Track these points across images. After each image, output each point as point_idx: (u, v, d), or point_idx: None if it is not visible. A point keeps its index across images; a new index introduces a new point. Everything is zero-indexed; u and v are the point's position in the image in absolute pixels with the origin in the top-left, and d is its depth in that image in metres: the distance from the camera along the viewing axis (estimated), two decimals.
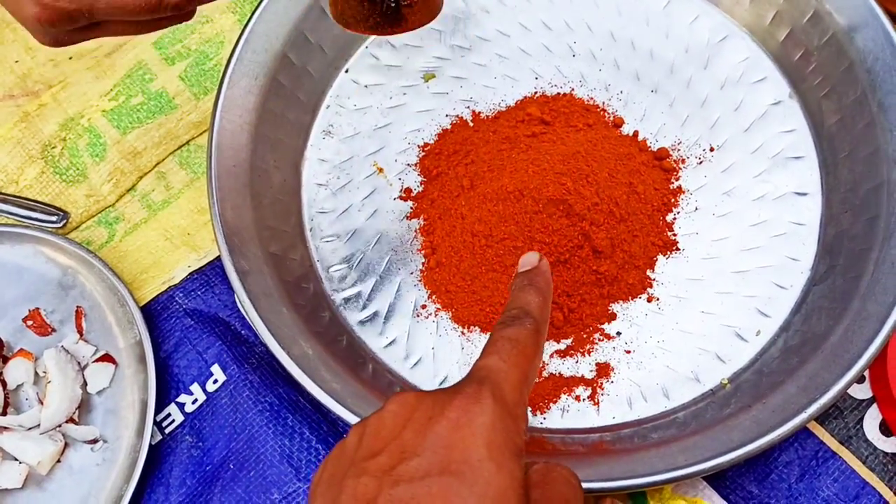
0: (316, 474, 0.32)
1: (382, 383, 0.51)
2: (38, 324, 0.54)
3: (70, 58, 0.61)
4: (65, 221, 0.56)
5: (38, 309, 0.54)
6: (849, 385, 0.44)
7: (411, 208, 0.57)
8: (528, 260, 0.41)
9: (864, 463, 0.48)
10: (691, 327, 0.52)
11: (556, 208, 0.51)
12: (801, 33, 0.57)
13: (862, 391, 0.50)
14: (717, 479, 0.49)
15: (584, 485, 0.43)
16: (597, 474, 0.44)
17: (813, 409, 0.44)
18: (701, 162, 0.57)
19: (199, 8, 0.60)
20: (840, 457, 0.48)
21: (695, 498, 0.49)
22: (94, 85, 0.58)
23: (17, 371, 0.52)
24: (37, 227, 0.55)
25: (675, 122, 0.58)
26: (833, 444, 0.49)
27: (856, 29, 0.54)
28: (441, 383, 0.52)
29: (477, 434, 0.29)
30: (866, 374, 0.51)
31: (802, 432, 0.49)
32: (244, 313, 0.50)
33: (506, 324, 0.35)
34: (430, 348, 0.53)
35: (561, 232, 0.52)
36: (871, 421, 0.49)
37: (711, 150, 0.57)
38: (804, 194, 0.55)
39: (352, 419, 0.46)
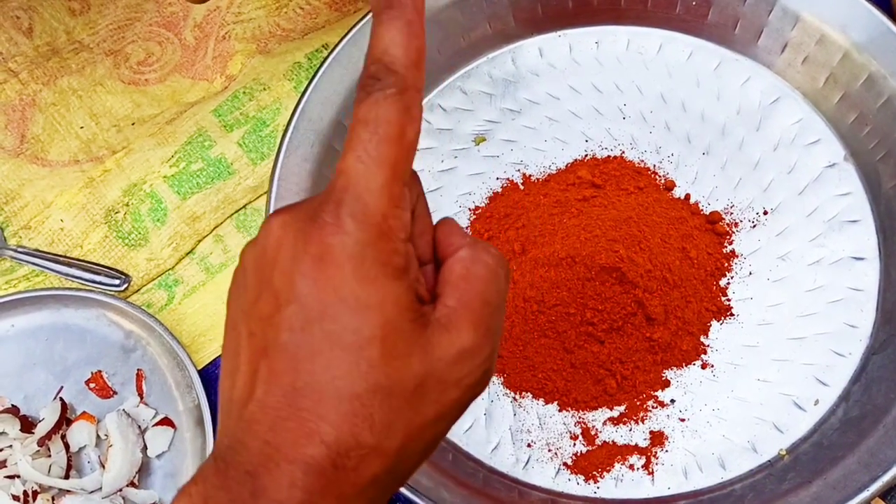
0: (228, 302, 0.30)
1: (437, 449, 0.51)
2: (100, 386, 0.55)
3: (133, 124, 0.63)
4: (127, 285, 0.58)
5: (100, 371, 0.56)
6: None
7: None
8: None
9: None
10: (747, 395, 0.52)
11: (610, 276, 0.52)
12: (855, 96, 0.56)
13: None
14: None
15: None
16: None
17: (875, 487, 0.43)
18: (755, 225, 0.56)
19: (257, 75, 0.62)
20: None
21: None
22: (155, 151, 0.60)
23: (80, 434, 0.53)
24: (100, 290, 0.57)
25: (727, 184, 0.58)
26: None
27: None
28: (493, 449, 0.52)
29: (344, 269, 0.27)
30: None
31: None
32: None
33: (365, 91, 0.29)
34: (483, 413, 0.53)
35: (614, 299, 0.52)
36: None
37: (765, 213, 0.56)
38: (861, 259, 0.54)
39: (406, 492, 0.47)
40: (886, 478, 0.43)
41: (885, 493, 0.48)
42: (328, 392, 0.26)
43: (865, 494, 0.43)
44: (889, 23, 0.54)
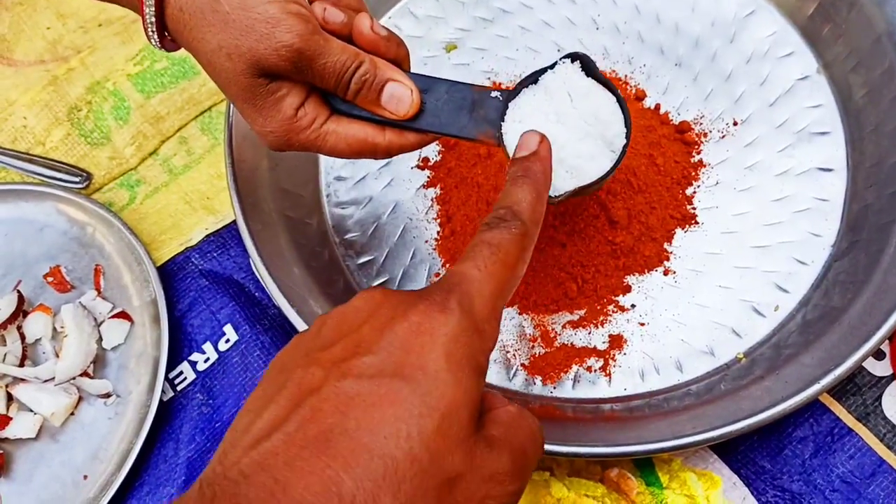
0: (272, 361, 0.30)
1: None
2: (58, 281, 0.55)
3: (100, 25, 0.62)
4: (88, 182, 0.57)
5: (59, 266, 0.55)
6: (865, 357, 0.43)
7: (428, 177, 0.57)
8: (527, 142, 0.36)
9: (881, 440, 0.47)
10: (708, 301, 0.51)
11: None
12: (829, 6, 0.55)
13: (881, 368, 0.49)
14: (728, 453, 0.48)
15: (590, 449, 0.43)
16: (602, 439, 0.43)
17: (827, 380, 0.43)
18: (724, 136, 0.55)
19: None
20: (856, 433, 0.47)
21: (704, 471, 0.48)
22: (120, 49, 0.59)
23: (35, 325, 0.53)
24: (60, 186, 0.56)
25: (698, 95, 0.57)
26: (850, 420, 0.47)
27: (885, 0, 0.53)
28: None
29: (437, 343, 0.27)
30: (886, 350, 0.49)
31: (818, 408, 0.48)
32: (257, 273, 0.50)
33: (490, 225, 0.32)
34: None
35: (576, 201, 0.51)
36: (891, 398, 0.48)
37: (735, 124, 0.56)
38: (829, 170, 0.54)
39: None
40: (838, 372, 0.43)
41: (840, 395, 0.48)
42: (366, 445, 0.25)
43: (816, 388, 0.43)
44: None
